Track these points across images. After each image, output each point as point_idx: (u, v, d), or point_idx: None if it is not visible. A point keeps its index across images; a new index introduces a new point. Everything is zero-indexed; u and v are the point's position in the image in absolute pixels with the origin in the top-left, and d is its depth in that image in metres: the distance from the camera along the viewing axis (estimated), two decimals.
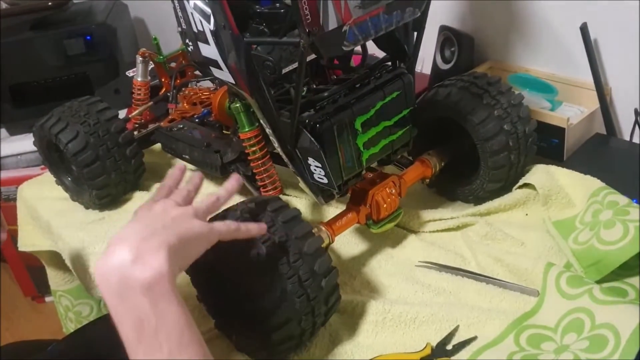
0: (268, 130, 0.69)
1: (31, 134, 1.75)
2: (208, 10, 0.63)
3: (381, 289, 0.75)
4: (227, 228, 0.57)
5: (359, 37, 0.63)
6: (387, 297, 0.73)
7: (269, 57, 0.64)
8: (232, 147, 0.86)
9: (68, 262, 0.93)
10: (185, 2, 0.65)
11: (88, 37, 1.68)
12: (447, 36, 1.10)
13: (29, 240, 1.08)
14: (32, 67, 1.68)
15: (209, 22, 0.63)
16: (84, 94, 1.69)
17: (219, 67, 0.66)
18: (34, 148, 1.70)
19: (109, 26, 1.70)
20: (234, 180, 0.62)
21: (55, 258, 1.12)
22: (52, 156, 0.99)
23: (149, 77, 1.05)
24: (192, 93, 1.04)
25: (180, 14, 0.67)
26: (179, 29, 0.69)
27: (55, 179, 1.01)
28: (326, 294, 0.64)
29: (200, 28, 0.65)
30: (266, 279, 0.59)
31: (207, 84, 1.08)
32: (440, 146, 0.86)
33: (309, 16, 0.58)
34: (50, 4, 1.67)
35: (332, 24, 0.60)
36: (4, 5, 1.71)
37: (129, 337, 0.47)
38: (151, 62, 1.04)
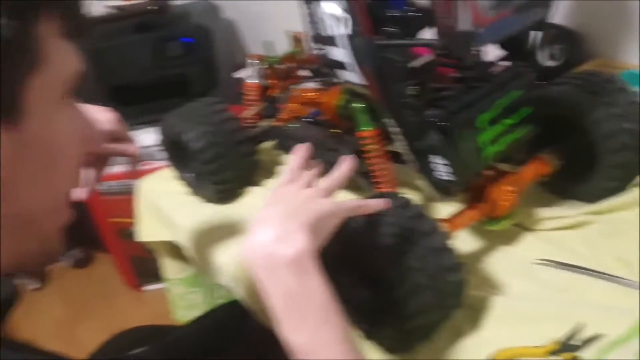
0: (392, 129, 0.72)
1: (132, 132, 1.86)
2: (341, 14, 0.66)
3: (500, 285, 0.76)
4: (352, 204, 0.60)
5: (489, 38, 0.65)
6: (507, 293, 0.75)
7: (399, 59, 0.67)
8: (346, 145, 0.89)
9: (190, 253, 1.00)
10: (320, 7, 0.68)
11: (186, 39, 1.76)
12: (553, 33, 1.09)
13: (148, 231, 1.15)
14: (134, 68, 1.77)
15: (341, 26, 0.67)
16: (182, 94, 1.79)
17: (348, 69, 0.70)
18: None
19: (205, 28, 1.77)
20: (347, 163, 0.64)
21: (171, 248, 1.19)
22: (175, 153, 1.05)
23: (259, 79, 1.10)
24: (300, 94, 1.08)
25: (311, 18, 0.71)
26: (310, 34, 0.73)
27: (176, 174, 1.08)
28: (454, 288, 0.66)
29: (331, 32, 0.68)
30: (398, 272, 0.62)
31: (314, 84, 1.12)
32: (554, 144, 0.87)
33: (444, 18, 0.60)
34: (151, 7, 1.76)
35: (465, 25, 0.62)
36: (106, 10, 1.81)
37: (277, 309, 0.52)
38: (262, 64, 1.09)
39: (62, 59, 0.41)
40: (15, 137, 0.38)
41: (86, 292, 2.05)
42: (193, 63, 1.76)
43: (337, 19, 0.66)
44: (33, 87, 0.38)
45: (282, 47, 1.12)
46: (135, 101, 1.81)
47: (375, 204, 0.62)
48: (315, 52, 0.74)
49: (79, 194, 0.71)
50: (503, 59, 0.80)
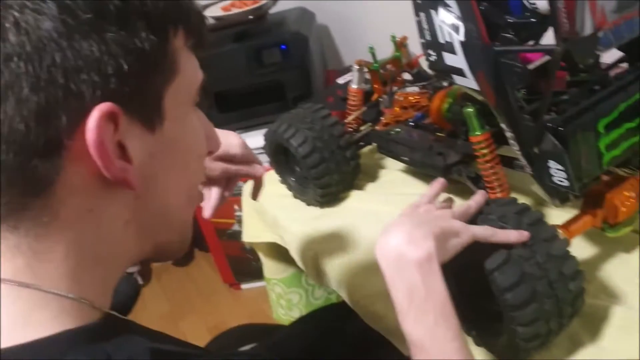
0: (508, 134, 0.71)
1: None
2: (458, 22, 0.67)
3: (620, 294, 0.73)
4: (483, 231, 0.63)
5: (612, 41, 0.63)
6: (628, 302, 0.72)
7: (518, 64, 0.66)
8: (455, 149, 0.89)
9: (294, 254, 1.03)
10: (434, 15, 0.69)
11: (283, 46, 1.81)
12: None
13: (253, 232, 1.20)
14: (234, 75, 1.83)
15: (458, 33, 0.67)
16: (278, 100, 1.84)
17: (464, 75, 0.70)
18: None
19: (301, 35, 1.81)
20: (482, 195, 0.70)
21: (272, 249, 1.23)
22: (278, 158, 1.09)
23: (362, 84, 1.11)
24: (402, 97, 1.09)
25: (425, 26, 0.72)
26: (422, 41, 0.74)
27: (279, 178, 1.12)
28: (573, 297, 0.64)
29: (447, 39, 0.69)
30: (516, 278, 0.62)
31: (416, 88, 1.12)
32: None
33: (566, 23, 0.59)
34: (251, 17, 1.82)
35: (588, 29, 0.61)
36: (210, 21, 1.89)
37: (402, 302, 0.58)
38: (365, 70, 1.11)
39: (190, 69, 0.45)
40: (156, 139, 0.42)
41: (187, 288, 2.15)
42: (289, 69, 1.80)
43: (454, 26, 0.67)
44: (170, 93, 0.42)
45: (383, 52, 1.13)
46: (234, 107, 1.88)
47: (514, 236, 0.63)
48: (430, 58, 0.75)
49: (204, 212, 0.77)
50: (621, 60, 0.77)
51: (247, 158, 0.78)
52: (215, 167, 0.76)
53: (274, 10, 1.90)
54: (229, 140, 0.76)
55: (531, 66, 0.73)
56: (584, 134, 0.69)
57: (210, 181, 0.78)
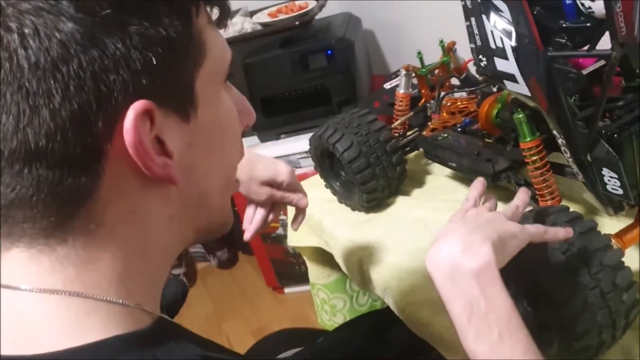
0: (560, 140, 0.70)
1: (278, 141, 1.95)
2: (510, 27, 0.66)
3: None
4: (536, 230, 0.60)
5: None
6: None
7: (573, 70, 0.65)
8: (503, 155, 0.88)
9: (339, 259, 1.03)
10: (486, 21, 0.69)
11: (329, 52, 1.81)
12: None
13: (298, 236, 1.20)
14: (280, 80, 1.84)
15: (510, 38, 0.66)
16: (323, 104, 1.85)
17: (515, 81, 0.69)
18: (281, 154, 1.89)
19: (347, 40, 1.81)
20: (524, 192, 0.67)
21: (317, 254, 1.24)
22: (324, 162, 1.10)
23: (410, 89, 1.11)
24: (450, 103, 1.08)
25: (475, 31, 0.71)
26: (472, 46, 0.73)
27: (324, 182, 1.13)
28: (627, 308, 0.63)
29: (499, 44, 0.68)
30: (567, 288, 0.61)
31: (464, 94, 1.11)
32: None
33: (624, 28, 0.58)
34: (297, 23, 1.84)
35: None
36: (255, 27, 1.92)
37: (460, 318, 0.52)
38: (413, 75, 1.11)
39: (218, 46, 0.42)
40: (191, 128, 0.40)
41: (231, 291, 2.17)
42: (334, 74, 1.81)
43: (505, 31, 0.66)
44: (201, 77, 0.40)
45: (428, 57, 1.13)
46: (280, 111, 1.89)
47: (563, 233, 0.61)
48: (480, 63, 0.74)
49: (246, 234, 0.79)
50: None
51: (293, 187, 0.79)
52: (262, 191, 0.78)
53: (320, 15, 1.91)
54: (277, 167, 0.77)
55: (585, 72, 0.72)
56: None
57: (256, 204, 0.80)
